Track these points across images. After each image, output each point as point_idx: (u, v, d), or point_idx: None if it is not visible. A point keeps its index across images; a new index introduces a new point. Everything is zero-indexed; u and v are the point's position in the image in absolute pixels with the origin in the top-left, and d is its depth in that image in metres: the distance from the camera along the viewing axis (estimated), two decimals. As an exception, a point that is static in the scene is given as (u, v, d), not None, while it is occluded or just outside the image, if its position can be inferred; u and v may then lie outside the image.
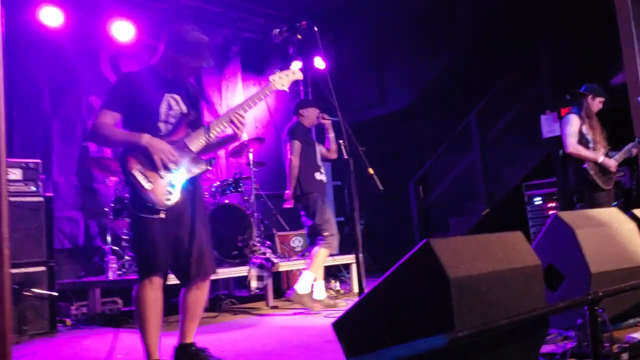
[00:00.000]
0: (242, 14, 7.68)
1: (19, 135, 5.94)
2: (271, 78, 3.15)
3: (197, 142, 2.95)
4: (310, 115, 5.17)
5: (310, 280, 4.86)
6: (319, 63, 7.71)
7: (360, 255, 2.74)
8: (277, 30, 3.06)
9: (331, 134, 5.18)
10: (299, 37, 2.95)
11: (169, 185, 2.84)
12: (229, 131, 3.05)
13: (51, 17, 6.07)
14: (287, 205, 5.17)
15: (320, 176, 5.08)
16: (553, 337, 2.92)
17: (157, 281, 2.86)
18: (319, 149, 5.21)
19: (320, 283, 4.99)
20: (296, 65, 3.27)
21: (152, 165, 2.82)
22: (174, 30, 3.03)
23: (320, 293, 4.95)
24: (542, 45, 7.21)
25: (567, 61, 7.03)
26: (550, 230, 3.16)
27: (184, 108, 3.01)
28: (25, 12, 5.99)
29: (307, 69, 7.84)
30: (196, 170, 2.96)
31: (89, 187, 6.34)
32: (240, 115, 2.97)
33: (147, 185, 2.79)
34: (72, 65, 6.41)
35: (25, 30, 6.02)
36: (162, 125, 2.94)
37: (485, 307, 2.01)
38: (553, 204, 7.10)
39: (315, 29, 2.93)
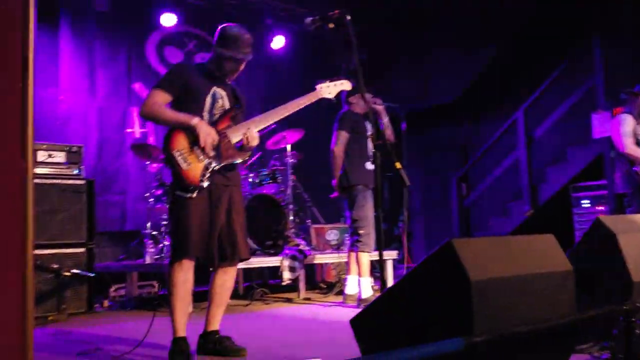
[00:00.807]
0: (286, 4, 7.64)
1: (64, 120, 6.11)
2: (319, 86, 3.32)
3: (237, 135, 3.09)
4: (360, 102, 4.99)
5: (368, 284, 4.81)
6: (355, 52, 7.59)
7: (394, 252, 2.68)
8: (310, 19, 3.04)
9: (385, 119, 4.97)
10: (332, 26, 2.92)
11: (205, 169, 2.98)
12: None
13: (99, 1, 6.20)
14: (334, 195, 5.14)
15: (371, 166, 4.89)
16: (588, 347, 2.80)
17: (187, 263, 2.96)
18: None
19: (367, 280, 4.90)
20: (346, 82, 3.41)
21: (194, 146, 2.97)
22: (220, 28, 3.20)
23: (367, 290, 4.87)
24: (598, 39, 6.89)
25: (623, 58, 6.72)
26: (590, 234, 3.01)
27: (227, 104, 3.17)
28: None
29: (346, 58, 7.77)
30: (234, 159, 3.11)
31: (131, 173, 6.47)
32: (252, 136, 3.09)
33: (184, 165, 2.95)
34: (117, 51, 6.54)
35: (70, 14, 6.17)
36: (205, 115, 3.09)
37: (506, 312, 1.93)
38: (602, 208, 6.82)
39: (348, 17, 2.88)
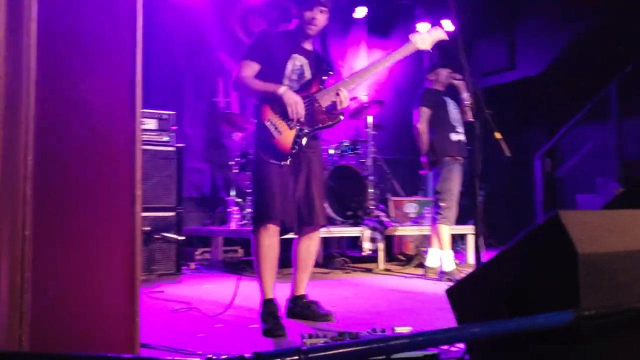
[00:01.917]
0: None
1: (154, 88, 6.33)
2: (412, 36, 3.18)
3: (327, 99, 3.09)
4: (441, 77, 4.99)
5: (450, 257, 4.79)
6: (448, 25, 7.42)
7: (470, 226, 2.65)
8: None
9: (464, 94, 4.92)
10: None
11: (297, 136, 3.02)
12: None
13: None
14: (424, 172, 5.14)
15: (457, 136, 4.88)
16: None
17: (272, 228, 3.01)
18: (456, 110, 5.01)
19: (449, 253, 4.87)
20: (437, 27, 3.20)
21: (284, 115, 3.00)
22: None
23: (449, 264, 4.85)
24: None
25: None
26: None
27: (308, 71, 3.17)
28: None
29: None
30: (325, 123, 3.11)
31: (217, 141, 6.66)
32: (343, 98, 3.07)
33: (276, 134, 3.00)
34: (204, 22, 6.68)
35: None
36: (286, 81, 3.11)
37: (615, 288, 1.87)
38: (699, 186, 6.41)
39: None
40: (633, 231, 2.03)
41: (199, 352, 2.38)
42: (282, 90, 3.00)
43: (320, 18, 3.10)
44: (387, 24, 7.91)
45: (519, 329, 1.69)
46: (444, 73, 5.00)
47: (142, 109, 5.71)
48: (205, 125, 6.64)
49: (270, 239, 3.01)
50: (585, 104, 7.44)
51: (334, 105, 3.11)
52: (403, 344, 1.20)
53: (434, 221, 4.86)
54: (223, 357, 1.17)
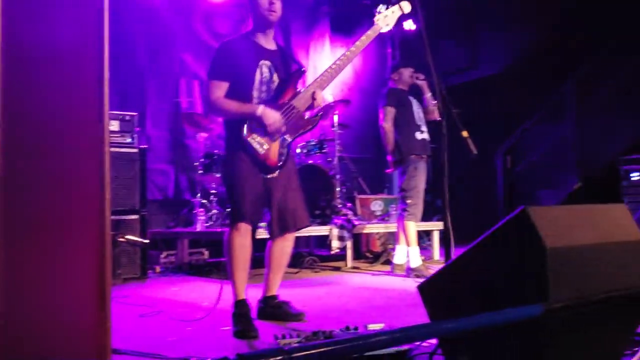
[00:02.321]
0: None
1: (116, 89, 6.21)
2: (376, 19, 3.16)
3: (303, 103, 3.07)
4: (403, 77, 5.06)
5: (416, 253, 4.84)
6: (409, 24, 7.53)
7: (439, 224, 2.69)
8: (367, -17, 2.99)
9: (427, 94, 5.00)
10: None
11: (281, 147, 3.02)
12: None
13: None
14: (389, 171, 5.19)
15: (421, 135, 4.95)
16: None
17: (243, 227, 2.99)
18: (419, 109, 5.07)
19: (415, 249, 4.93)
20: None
21: (264, 130, 2.97)
22: None
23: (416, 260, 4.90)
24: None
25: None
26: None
27: (276, 76, 3.11)
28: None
29: (396, 30, 7.69)
30: (305, 128, 3.13)
31: (180, 142, 6.58)
32: (320, 99, 3.07)
33: (261, 150, 2.97)
34: (167, 23, 6.59)
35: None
36: (255, 93, 3.05)
37: (582, 280, 1.92)
38: (651, 181, 6.66)
39: (414, -14, 2.84)
40: (596, 224, 2.10)
41: (172, 357, 2.35)
42: (260, 111, 2.95)
43: (278, 3, 3.04)
44: (351, 21, 7.96)
45: (490, 323, 1.73)
46: (406, 73, 5.06)
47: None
48: (169, 126, 6.55)
49: (241, 239, 2.99)
50: (544, 102, 7.64)
51: (310, 107, 3.10)
52: (383, 341, 1.21)
53: (401, 218, 4.91)
54: (205, 360, 1.17)
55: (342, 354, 1.18)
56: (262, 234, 3.18)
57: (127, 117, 5.06)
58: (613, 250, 2.06)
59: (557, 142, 7.57)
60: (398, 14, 3.19)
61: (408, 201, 4.84)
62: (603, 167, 7.13)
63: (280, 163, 3.01)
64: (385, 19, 3.17)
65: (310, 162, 5.91)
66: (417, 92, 5.10)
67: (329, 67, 3.13)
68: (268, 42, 3.16)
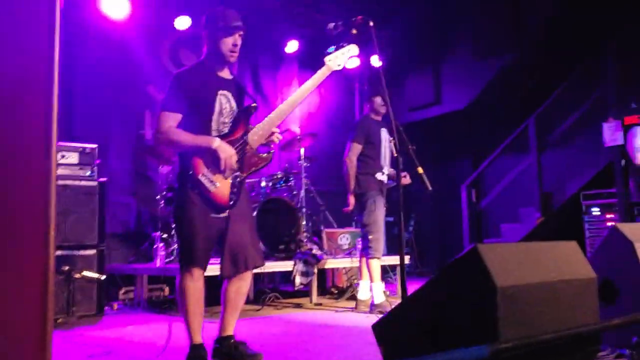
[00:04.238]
0: (300, 9, 7.64)
1: (78, 120, 6.12)
2: (327, 59, 3.17)
3: (256, 140, 3.03)
4: (375, 105, 5.09)
5: (380, 289, 4.81)
6: (376, 61, 7.61)
7: (406, 257, 2.66)
8: (332, 24, 3.03)
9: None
10: (354, 31, 2.90)
11: (232, 186, 2.95)
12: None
13: (116, 8, 6.14)
14: (347, 210, 5.04)
15: (381, 177, 4.99)
16: (605, 355, 2.77)
17: (196, 272, 2.93)
18: (388, 144, 5.05)
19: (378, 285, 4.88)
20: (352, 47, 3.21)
21: (217, 166, 2.91)
22: (204, 16, 3.09)
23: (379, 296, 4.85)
24: (609, 49, 6.87)
25: (634, 67, 6.69)
26: (607, 242, 2.99)
27: (234, 105, 3.07)
28: (88, 5, 6.11)
29: (363, 65, 7.78)
30: (258, 166, 3.07)
31: (143, 174, 6.48)
32: (274, 137, 3.08)
33: (211, 187, 2.91)
34: (132, 54, 6.54)
35: (88, 22, 6.18)
36: (214, 124, 2.99)
37: (532, 319, 1.91)
38: (612, 215, 6.76)
39: (371, 23, 2.87)
40: (548, 262, 2.09)
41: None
42: (217, 144, 2.89)
43: (239, 43, 3.02)
44: (318, 58, 8.00)
45: (438, 364, 1.69)
46: (377, 101, 5.10)
47: (65, 142, 5.46)
48: (132, 158, 6.45)
49: (194, 283, 2.92)
50: (507, 137, 7.77)
51: (263, 144, 3.07)
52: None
53: (365, 254, 4.87)
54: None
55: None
56: (216, 270, 3.09)
57: (88, 150, 4.96)
58: (564, 288, 2.05)
59: (521, 176, 7.69)
60: (348, 55, 3.21)
61: (370, 237, 4.82)
62: (566, 201, 7.24)
63: (232, 202, 2.94)
64: (336, 60, 3.19)
65: (275, 195, 5.86)
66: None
67: (283, 104, 3.10)
68: (224, 72, 3.13)
